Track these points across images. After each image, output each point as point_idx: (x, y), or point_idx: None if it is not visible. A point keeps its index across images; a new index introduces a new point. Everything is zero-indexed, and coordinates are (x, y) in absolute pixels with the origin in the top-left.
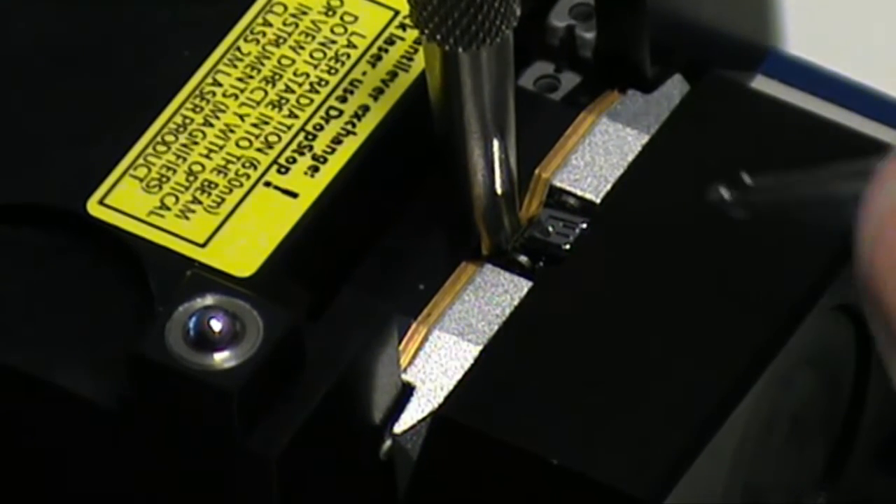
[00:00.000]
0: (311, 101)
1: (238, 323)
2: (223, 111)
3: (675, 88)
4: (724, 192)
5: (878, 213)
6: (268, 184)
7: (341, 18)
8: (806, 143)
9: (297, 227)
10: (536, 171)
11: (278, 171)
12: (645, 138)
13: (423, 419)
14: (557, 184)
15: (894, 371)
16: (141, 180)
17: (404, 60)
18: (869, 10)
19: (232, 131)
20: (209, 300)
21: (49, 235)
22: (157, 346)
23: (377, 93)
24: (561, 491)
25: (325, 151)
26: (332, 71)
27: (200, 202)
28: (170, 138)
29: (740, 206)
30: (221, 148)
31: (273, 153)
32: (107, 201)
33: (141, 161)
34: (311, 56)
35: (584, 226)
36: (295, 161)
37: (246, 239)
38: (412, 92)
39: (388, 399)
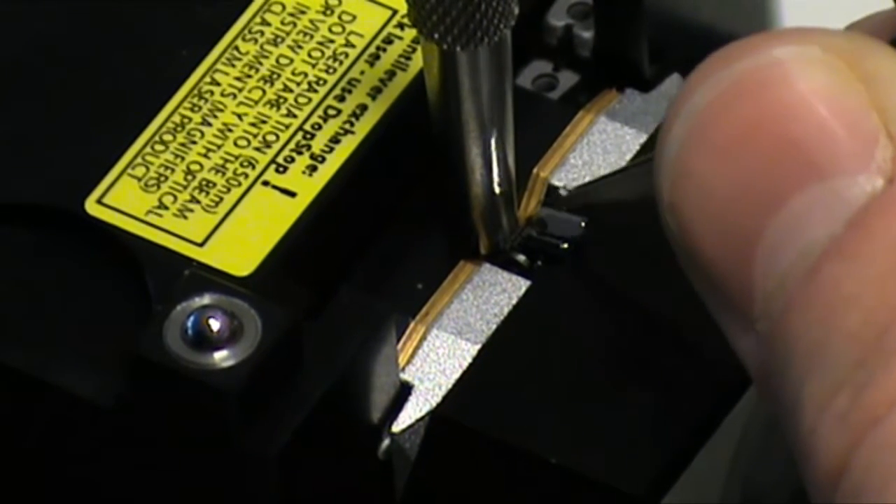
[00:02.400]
0: (310, 100)
1: (236, 322)
2: (221, 110)
3: (673, 87)
4: (562, 191)
5: (677, 149)
6: (266, 183)
7: (339, 17)
8: None
9: (296, 226)
10: (535, 170)
11: (276, 171)
12: (643, 137)
13: (422, 418)
14: (556, 182)
15: (725, 326)
16: (139, 179)
17: (402, 60)
18: (867, 10)
19: (230, 130)
20: (207, 299)
21: (47, 235)
22: (156, 346)
23: (375, 92)
24: (559, 490)
25: (323, 151)
26: (331, 70)
27: (199, 201)
28: (168, 137)
29: (577, 201)
30: (219, 147)
31: (271, 152)
32: (105, 200)
33: (139, 160)
34: (310, 55)
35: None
36: (293, 160)
37: (244, 238)
38: (410, 91)
39: (387, 398)
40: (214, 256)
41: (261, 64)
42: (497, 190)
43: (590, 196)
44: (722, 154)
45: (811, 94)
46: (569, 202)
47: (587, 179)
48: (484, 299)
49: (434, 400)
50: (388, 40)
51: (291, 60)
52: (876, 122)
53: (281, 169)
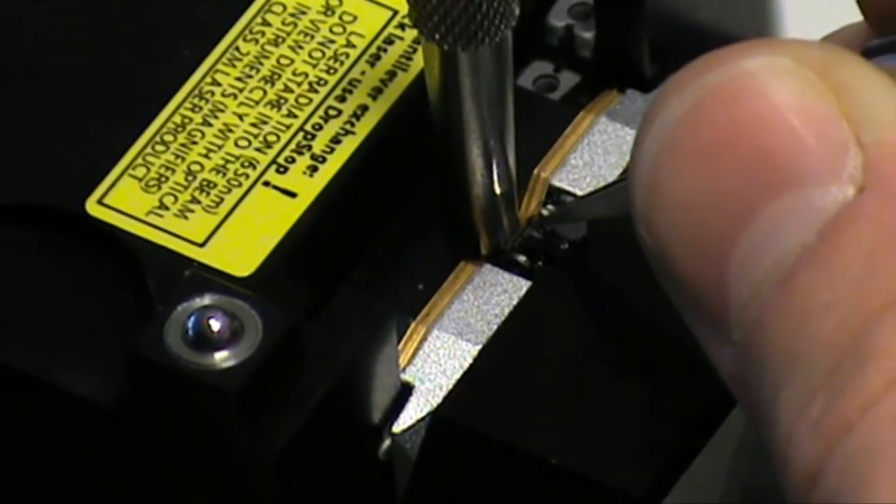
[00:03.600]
0: (310, 100)
1: (237, 322)
2: (222, 111)
3: None
4: (545, 211)
5: (649, 161)
6: (267, 183)
7: (340, 18)
8: None
9: (296, 226)
10: (535, 171)
11: (277, 171)
12: None
13: (422, 419)
14: (556, 183)
15: (702, 339)
16: (140, 180)
17: (403, 60)
18: None
19: (231, 131)
20: (208, 300)
21: (48, 235)
22: (156, 346)
23: (376, 92)
24: (559, 490)
25: (323, 151)
26: (331, 70)
27: (199, 202)
28: (168, 138)
29: (560, 220)
30: (220, 147)
31: (272, 153)
32: (105, 201)
33: (140, 161)
34: (310, 55)
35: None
36: (294, 161)
37: (245, 238)
38: (411, 91)
39: (387, 398)
40: (215, 257)
41: (261, 64)
42: (498, 190)
43: (572, 214)
44: (694, 166)
45: (782, 104)
46: (552, 221)
47: (588, 180)
48: (485, 300)
49: (435, 400)
50: (389, 41)
51: (292, 61)
52: (846, 132)
53: (282, 169)
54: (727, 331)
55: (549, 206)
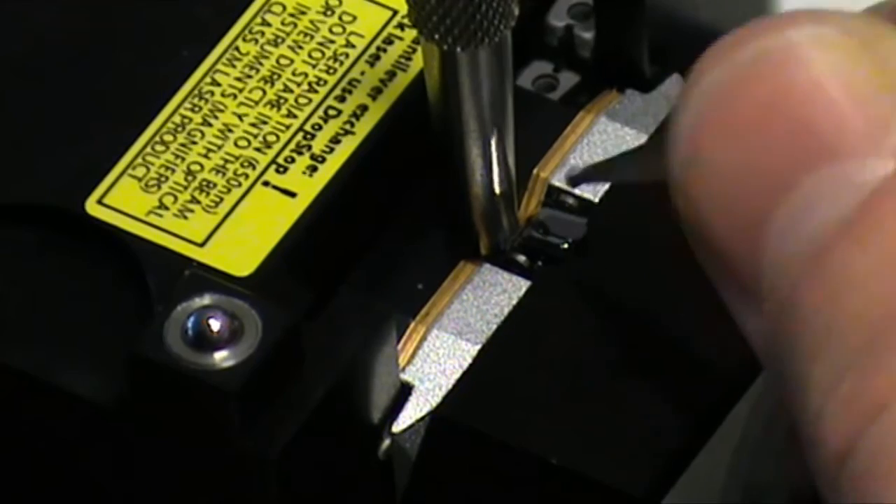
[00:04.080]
0: (310, 100)
1: (237, 322)
2: (222, 111)
3: (673, 88)
4: (565, 177)
5: (689, 130)
6: (266, 183)
7: (340, 18)
8: None
9: (296, 226)
10: (535, 171)
11: (277, 171)
12: (643, 138)
13: (422, 418)
14: (556, 183)
15: (733, 307)
16: (139, 180)
17: (403, 60)
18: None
19: (230, 131)
20: (208, 300)
21: (48, 235)
22: (156, 346)
23: (375, 92)
24: (559, 490)
25: (323, 151)
26: (331, 70)
27: (199, 202)
28: (168, 138)
29: (587, 178)
30: (220, 147)
31: (271, 153)
32: (105, 201)
33: (139, 161)
34: (310, 56)
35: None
36: (293, 161)
37: (244, 238)
38: (410, 91)
39: (387, 398)
40: (215, 257)
41: (261, 64)
42: (497, 190)
43: (601, 174)
44: (734, 135)
45: (824, 76)
46: (584, 178)
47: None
48: (484, 300)
49: (434, 400)
50: (389, 41)
51: (292, 61)
52: (888, 106)
53: (281, 169)
54: (759, 301)
55: (573, 166)
